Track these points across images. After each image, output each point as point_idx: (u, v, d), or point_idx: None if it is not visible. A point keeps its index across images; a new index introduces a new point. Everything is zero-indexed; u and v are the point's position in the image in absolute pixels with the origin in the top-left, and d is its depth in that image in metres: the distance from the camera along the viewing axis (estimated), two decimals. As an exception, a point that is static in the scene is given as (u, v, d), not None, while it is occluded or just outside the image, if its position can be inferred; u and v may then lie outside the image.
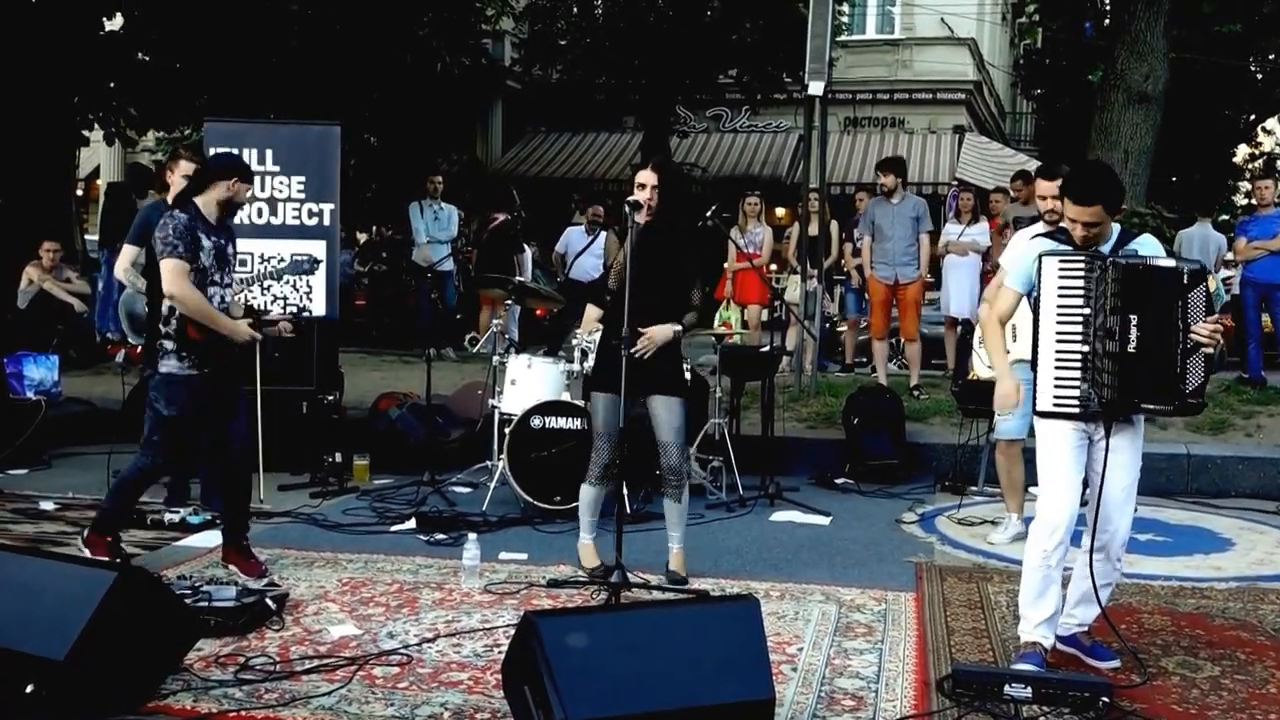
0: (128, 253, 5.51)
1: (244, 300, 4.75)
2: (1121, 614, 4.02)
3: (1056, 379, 3.37)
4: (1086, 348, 3.32)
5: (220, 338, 4.25)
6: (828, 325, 9.76)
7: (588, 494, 4.49)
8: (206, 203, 4.30)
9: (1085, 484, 3.49)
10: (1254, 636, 3.89)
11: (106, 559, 4.17)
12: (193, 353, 4.21)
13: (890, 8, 19.19)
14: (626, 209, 4.31)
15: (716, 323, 9.02)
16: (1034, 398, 3.44)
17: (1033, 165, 12.47)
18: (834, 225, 9.39)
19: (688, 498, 4.48)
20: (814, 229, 8.65)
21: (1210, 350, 3.31)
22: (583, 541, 4.57)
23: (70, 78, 10.51)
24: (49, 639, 2.93)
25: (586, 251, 10.57)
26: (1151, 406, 3.38)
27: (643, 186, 4.36)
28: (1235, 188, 25.46)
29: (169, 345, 4.21)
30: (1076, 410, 3.35)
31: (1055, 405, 3.38)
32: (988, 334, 3.69)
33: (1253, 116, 23.38)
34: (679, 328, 4.35)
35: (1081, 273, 3.33)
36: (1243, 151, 25.63)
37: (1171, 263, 3.35)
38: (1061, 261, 3.37)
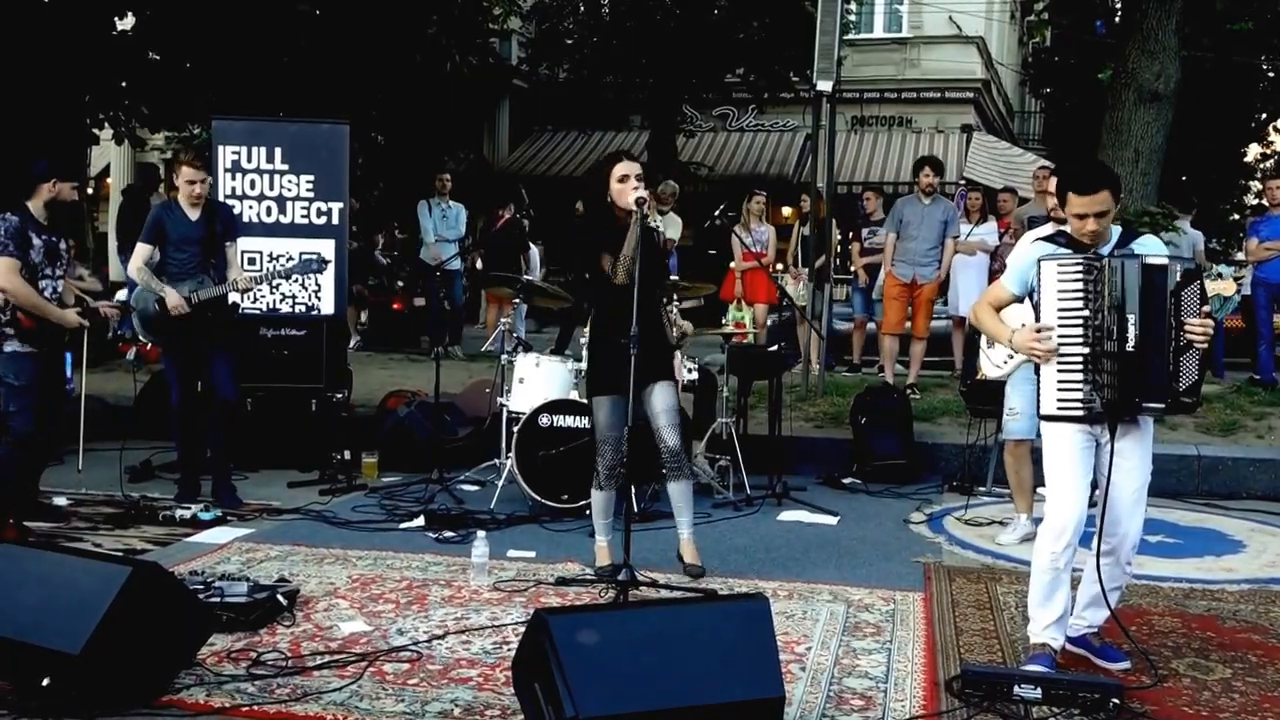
0: (141, 251, 5.54)
1: (74, 289, 5.36)
2: (1132, 615, 4.01)
3: (1060, 382, 3.36)
4: (1088, 349, 3.32)
5: (51, 322, 4.87)
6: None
7: (598, 498, 4.48)
8: (36, 206, 4.89)
9: (1094, 486, 3.49)
10: (1265, 639, 3.88)
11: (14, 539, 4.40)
12: (28, 336, 4.83)
13: (898, 6, 19.15)
14: (633, 206, 4.25)
15: (729, 323, 9.01)
16: (1038, 401, 3.44)
17: (1043, 161, 12.44)
18: (832, 224, 9.34)
19: (691, 483, 4.45)
20: (809, 229, 8.63)
21: (1204, 346, 3.30)
22: (598, 543, 4.56)
23: (82, 77, 10.54)
24: (65, 633, 2.95)
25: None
26: (1149, 405, 3.38)
27: (625, 178, 4.28)
28: (1246, 187, 25.35)
29: (9, 331, 4.82)
30: (1080, 412, 3.35)
31: (1059, 408, 3.37)
32: (980, 317, 3.68)
33: (1264, 115, 23.26)
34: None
35: (1080, 274, 3.32)
36: (1254, 150, 25.50)
37: (1164, 260, 3.34)
38: (1060, 265, 3.36)
